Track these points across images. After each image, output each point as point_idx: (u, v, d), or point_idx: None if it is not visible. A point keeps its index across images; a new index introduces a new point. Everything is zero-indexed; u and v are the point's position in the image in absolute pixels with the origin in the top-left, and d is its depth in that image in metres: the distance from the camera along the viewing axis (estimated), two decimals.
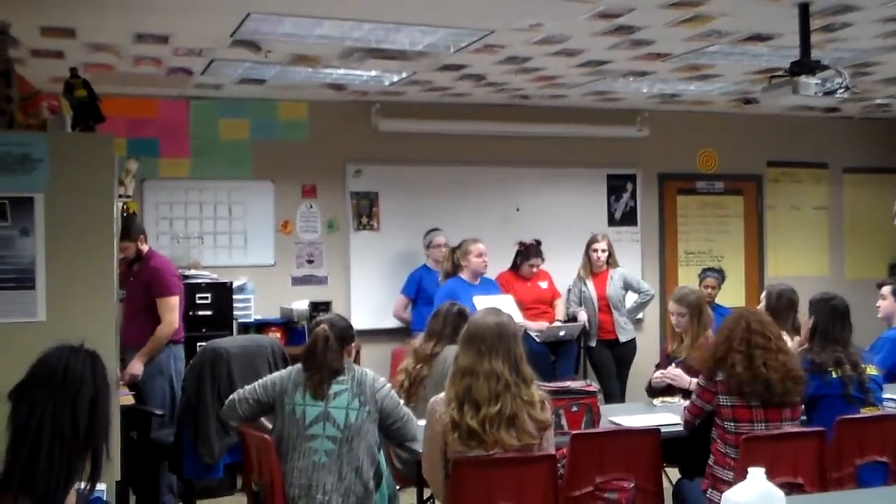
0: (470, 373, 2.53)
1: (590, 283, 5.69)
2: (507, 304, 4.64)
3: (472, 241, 5.07)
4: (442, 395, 2.61)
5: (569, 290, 5.82)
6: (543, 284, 5.66)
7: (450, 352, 3.48)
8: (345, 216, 5.96)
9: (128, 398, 3.76)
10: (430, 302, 4.94)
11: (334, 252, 5.95)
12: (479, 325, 2.60)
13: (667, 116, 6.52)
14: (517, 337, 2.59)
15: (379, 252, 5.98)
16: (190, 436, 3.88)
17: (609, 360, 5.63)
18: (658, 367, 4.02)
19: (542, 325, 5.46)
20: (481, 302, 4.43)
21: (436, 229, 5.77)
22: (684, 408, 3.19)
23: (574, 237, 6.09)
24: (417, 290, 5.60)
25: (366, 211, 5.99)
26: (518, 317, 4.60)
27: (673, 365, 3.85)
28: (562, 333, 5.50)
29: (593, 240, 5.72)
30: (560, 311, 5.72)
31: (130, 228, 4.30)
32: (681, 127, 6.63)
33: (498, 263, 5.60)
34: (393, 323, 5.81)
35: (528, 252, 5.61)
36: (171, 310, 4.33)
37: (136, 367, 4.13)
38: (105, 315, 2.70)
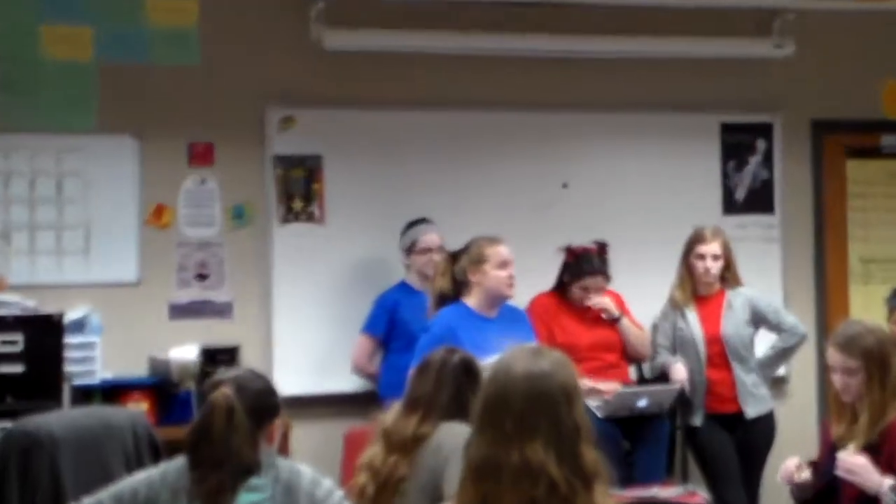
0: (489, 472, 2.52)
1: (691, 315, 5.77)
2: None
3: (487, 242, 5.13)
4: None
5: (654, 328, 5.89)
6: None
7: (447, 435, 3.55)
8: (264, 198, 6.00)
9: None
10: (411, 346, 5.01)
11: (245, 261, 6.01)
12: (500, 383, 2.59)
13: (826, 22, 6.56)
14: (572, 394, 2.57)
15: (323, 260, 6.02)
16: None
17: (728, 449, 5.68)
18: (814, 463, 4.05)
19: (610, 387, 5.52)
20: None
21: (422, 221, 5.83)
22: None
23: (663, 235, 6.13)
24: (390, 326, 5.71)
25: (300, 189, 6.03)
26: None
27: (847, 452, 3.83)
28: (642, 403, 5.55)
29: (698, 238, 5.77)
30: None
31: None
32: (850, 41, 6.66)
33: (530, 282, 5.62)
34: (347, 383, 5.89)
35: (582, 264, 5.68)
36: None
37: None
38: None
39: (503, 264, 5.05)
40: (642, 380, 6.00)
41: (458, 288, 5.13)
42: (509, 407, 2.54)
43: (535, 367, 2.58)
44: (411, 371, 3.94)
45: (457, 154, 6.24)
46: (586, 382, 5.20)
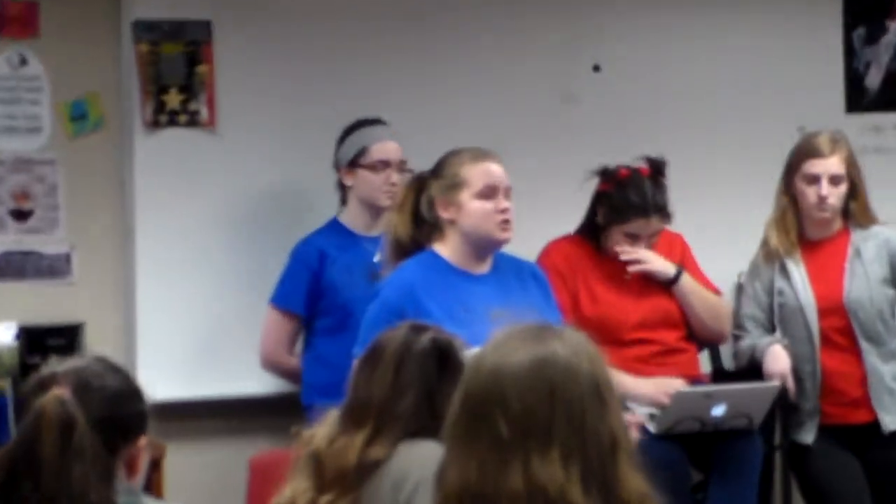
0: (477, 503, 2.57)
1: (798, 271, 5.81)
2: None
3: (467, 157, 5.16)
4: None
5: (739, 291, 6.01)
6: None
7: (412, 459, 3.65)
8: (119, 89, 6.05)
9: None
10: (347, 325, 5.24)
11: (91, 189, 6.05)
12: (489, 374, 2.64)
13: None
14: (603, 392, 2.63)
15: (214, 186, 6.08)
16: None
17: (854, 479, 5.68)
18: None
19: (668, 386, 5.58)
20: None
21: (374, 122, 5.87)
22: None
23: (750, 146, 6.30)
24: (314, 295, 5.76)
25: (178, 74, 6.05)
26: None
27: None
28: (718, 411, 5.59)
29: (809, 150, 5.79)
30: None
31: None
32: None
33: (542, 221, 5.80)
34: (252, 382, 5.95)
35: (628, 195, 5.69)
36: None
37: None
38: None
39: (491, 190, 5.04)
40: (721, 373, 6.02)
41: (427, 231, 5.17)
42: (506, 404, 2.58)
43: (544, 352, 2.63)
44: (355, 363, 3.95)
45: (426, 20, 6.28)
46: (626, 380, 5.28)
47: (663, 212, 5.68)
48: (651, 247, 5.74)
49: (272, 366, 5.86)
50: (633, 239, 5.66)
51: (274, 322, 5.81)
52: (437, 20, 6.25)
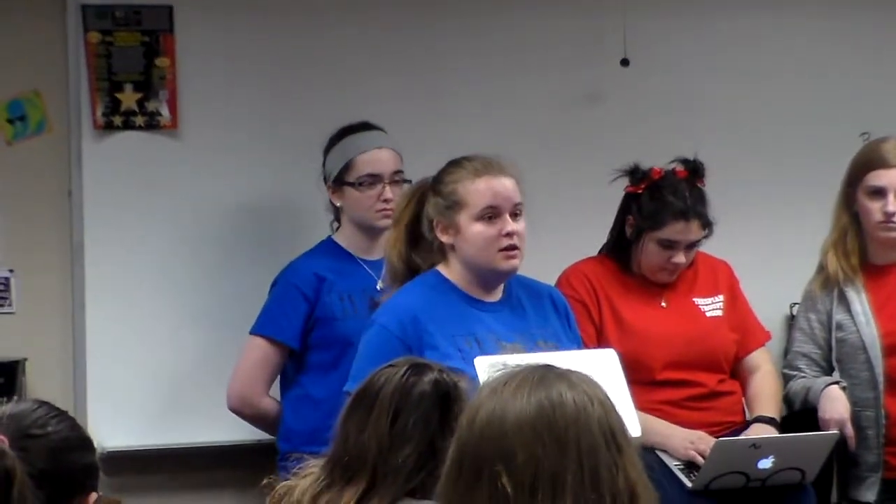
0: None
1: (860, 300, 5.74)
2: (604, 366, 4.79)
3: (471, 171, 5.12)
4: None
5: (792, 321, 6.00)
6: (708, 305, 5.80)
7: None
8: (65, 86, 6.03)
9: None
10: (345, 356, 5.27)
11: (31, 202, 6.06)
12: (487, 422, 2.71)
13: None
14: (619, 439, 2.71)
15: (177, 198, 6.08)
16: None
17: None
18: None
19: (706, 438, 5.53)
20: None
21: (363, 127, 5.84)
22: None
23: (801, 153, 6.36)
24: (308, 324, 5.69)
25: (134, 69, 6.01)
26: (627, 404, 4.78)
27: None
28: (765, 464, 5.50)
29: (873, 158, 5.70)
30: (764, 388, 5.79)
31: None
32: None
33: (564, 240, 5.83)
34: (221, 430, 5.93)
35: (664, 196, 5.64)
36: None
37: None
38: None
39: (494, 211, 5.01)
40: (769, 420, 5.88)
41: (425, 254, 5.18)
42: (508, 457, 2.62)
43: (549, 397, 2.67)
44: (344, 408, 3.86)
45: (428, 10, 6.30)
46: (657, 427, 5.36)
47: (703, 219, 5.60)
48: (689, 261, 5.67)
49: (245, 406, 5.74)
50: (670, 247, 5.59)
51: (257, 354, 5.71)
52: (440, 9, 6.20)
